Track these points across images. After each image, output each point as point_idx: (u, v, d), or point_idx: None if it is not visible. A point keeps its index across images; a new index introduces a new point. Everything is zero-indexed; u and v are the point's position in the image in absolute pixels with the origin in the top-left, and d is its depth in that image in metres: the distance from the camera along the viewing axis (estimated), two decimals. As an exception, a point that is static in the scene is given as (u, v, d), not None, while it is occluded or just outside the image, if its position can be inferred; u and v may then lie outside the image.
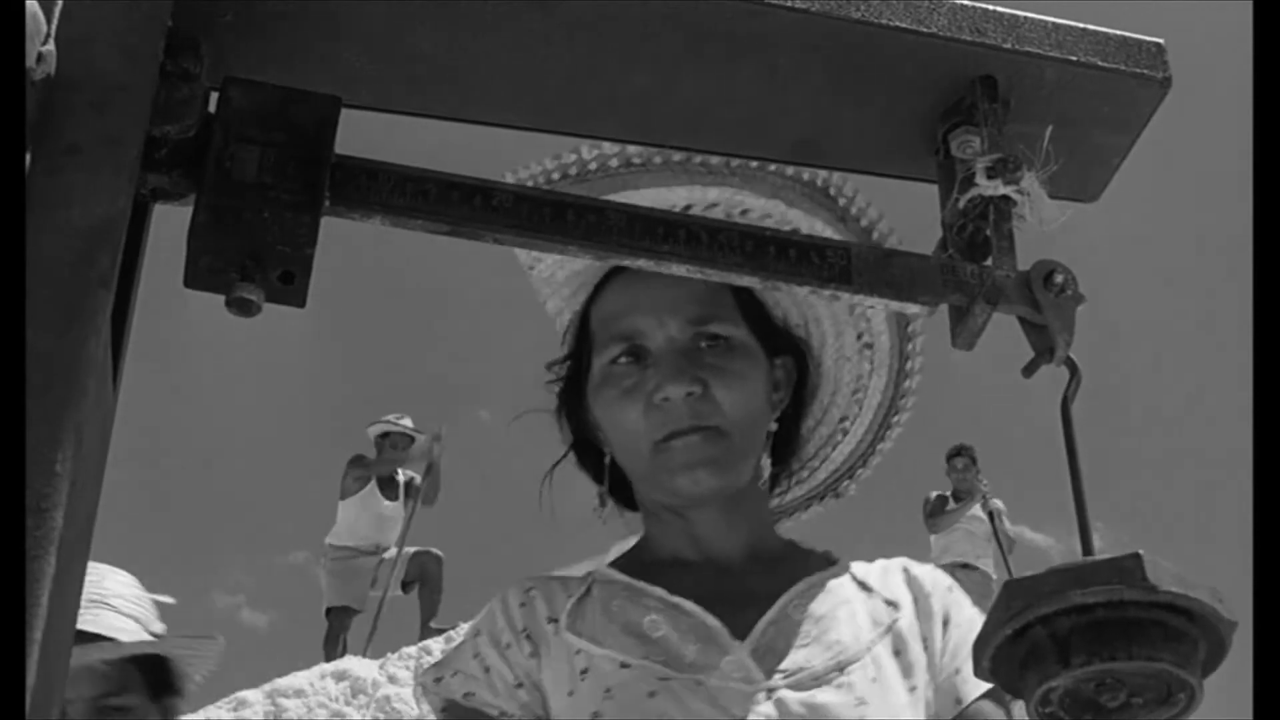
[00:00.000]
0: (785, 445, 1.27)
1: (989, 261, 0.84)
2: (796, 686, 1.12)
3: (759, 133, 0.93)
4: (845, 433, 1.32)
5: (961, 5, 0.85)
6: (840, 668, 1.14)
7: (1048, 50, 0.86)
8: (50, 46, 0.64)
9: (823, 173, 1.19)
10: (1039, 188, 0.84)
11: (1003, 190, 0.83)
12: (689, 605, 1.18)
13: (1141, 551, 0.64)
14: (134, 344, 0.79)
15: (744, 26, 0.83)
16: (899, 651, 1.18)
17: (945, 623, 1.21)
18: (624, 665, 1.14)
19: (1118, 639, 0.64)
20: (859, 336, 1.28)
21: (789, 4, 0.82)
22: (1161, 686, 0.67)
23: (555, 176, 1.17)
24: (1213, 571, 0.68)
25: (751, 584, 1.21)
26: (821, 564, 1.26)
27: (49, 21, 0.64)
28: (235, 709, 5.72)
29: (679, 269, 0.79)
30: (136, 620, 1.91)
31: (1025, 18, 0.86)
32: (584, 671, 1.14)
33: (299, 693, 5.92)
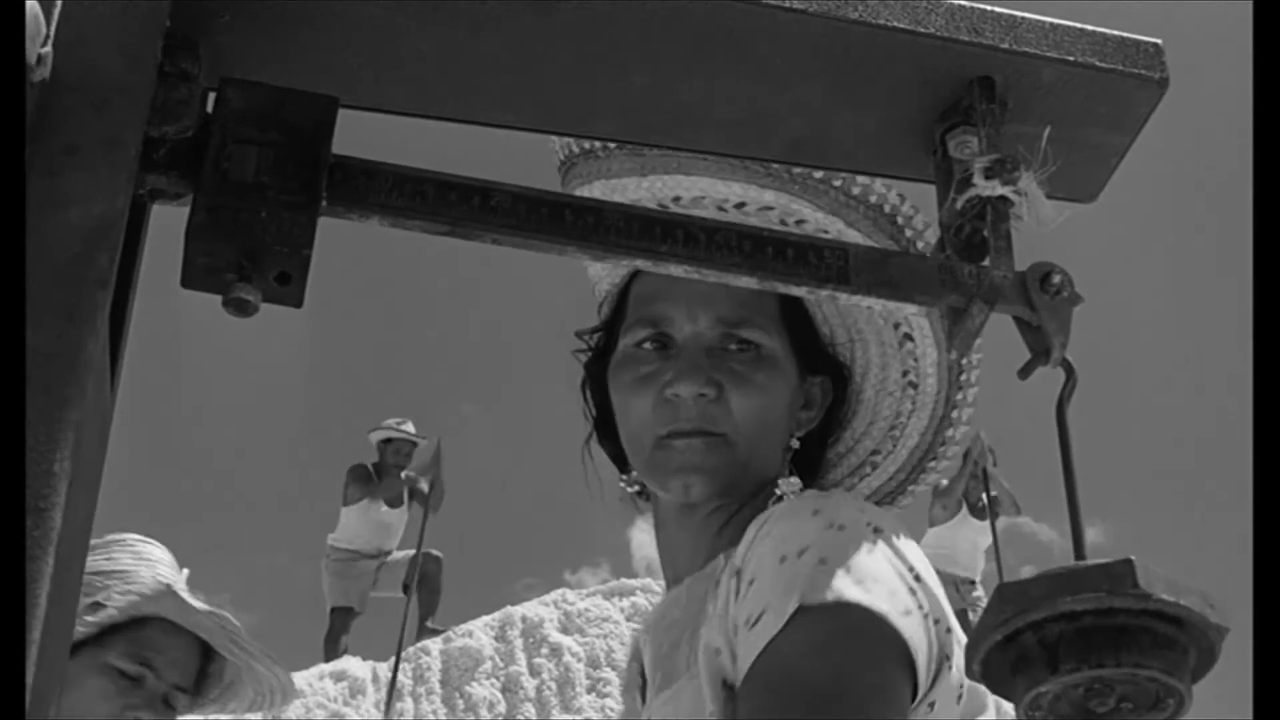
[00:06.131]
0: (807, 467, 1.21)
1: (986, 262, 0.83)
2: None
3: (756, 133, 0.93)
4: (875, 466, 1.26)
5: (959, 5, 0.85)
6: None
7: (1045, 50, 0.86)
8: (48, 48, 0.64)
9: (890, 195, 1.14)
10: (1036, 188, 0.84)
11: (1000, 191, 0.83)
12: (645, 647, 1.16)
13: (1133, 557, 0.64)
14: (131, 344, 0.79)
15: (742, 26, 0.83)
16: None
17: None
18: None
19: (1106, 646, 0.64)
20: (905, 374, 1.22)
21: (787, 4, 0.82)
22: (1150, 693, 0.67)
23: (608, 150, 1.15)
24: (1211, 572, 0.67)
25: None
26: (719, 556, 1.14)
27: (48, 23, 0.64)
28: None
29: (677, 269, 0.79)
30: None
31: (1023, 18, 0.86)
32: None
33: (297, 693, 5.92)
